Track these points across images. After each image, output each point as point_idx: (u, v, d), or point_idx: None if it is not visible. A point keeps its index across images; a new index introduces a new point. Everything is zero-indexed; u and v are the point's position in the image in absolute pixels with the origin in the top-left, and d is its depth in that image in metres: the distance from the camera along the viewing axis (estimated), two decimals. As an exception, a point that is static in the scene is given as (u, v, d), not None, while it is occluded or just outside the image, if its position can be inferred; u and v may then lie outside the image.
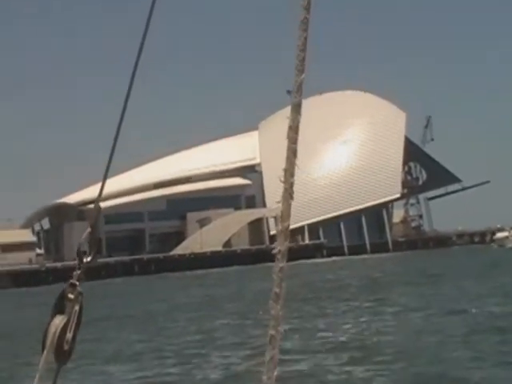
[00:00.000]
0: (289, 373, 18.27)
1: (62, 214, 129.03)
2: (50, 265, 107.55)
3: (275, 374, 2.39)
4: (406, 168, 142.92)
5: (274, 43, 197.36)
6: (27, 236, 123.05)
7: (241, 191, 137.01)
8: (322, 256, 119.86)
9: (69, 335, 2.72)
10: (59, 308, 2.73)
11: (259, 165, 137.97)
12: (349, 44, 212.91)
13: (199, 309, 42.32)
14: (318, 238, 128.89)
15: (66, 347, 2.72)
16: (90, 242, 2.82)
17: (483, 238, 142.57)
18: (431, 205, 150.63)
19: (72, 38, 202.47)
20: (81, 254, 2.79)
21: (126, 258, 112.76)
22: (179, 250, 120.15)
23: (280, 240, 2.38)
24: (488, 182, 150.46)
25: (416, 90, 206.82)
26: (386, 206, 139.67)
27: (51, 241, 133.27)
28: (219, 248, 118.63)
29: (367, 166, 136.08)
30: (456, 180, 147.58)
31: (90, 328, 29.05)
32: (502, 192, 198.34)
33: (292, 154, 2.35)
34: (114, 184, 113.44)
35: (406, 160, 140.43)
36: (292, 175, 2.35)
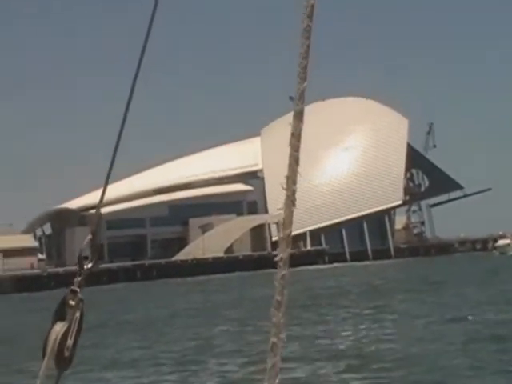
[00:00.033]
0: (286, 380, 18.17)
1: (63, 220, 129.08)
2: (51, 270, 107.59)
3: (277, 381, 2.39)
4: (408, 175, 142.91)
5: (276, 49, 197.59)
6: (29, 241, 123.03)
7: (243, 197, 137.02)
8: (324, 262, 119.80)
9: (69, 342, 2.71)
10: (60, 315, 2.73)
11: (261, 171, 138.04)
12: (349, 47, 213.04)
13: (199, 315, 42.28)
14: (320, 245, 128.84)
15: (66, 354, 2.72)
16: (92, 248, 2.82)
17: (485, 245, 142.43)
18: (433, 211, 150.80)
19: (72, 38, 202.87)
20: (81, 261, 2.79)
21: (128, 264, 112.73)
22: (181, 255, 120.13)
23: (282, 247, 2.37)
24: (489, 189, 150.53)
25: (417, 93, 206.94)
26: (388, 212, 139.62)
27: (53, 246, 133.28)
28: (221, 254, 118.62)
29: (369, 172, 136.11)
30: (458, 187, 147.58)
31: (89, 334, 29.02)
32: (504, 199, 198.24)
33: (294, 161, 2.35)
34: (116, 190, 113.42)
35: (408, 167, 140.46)
36: (294, 182, 2.35)
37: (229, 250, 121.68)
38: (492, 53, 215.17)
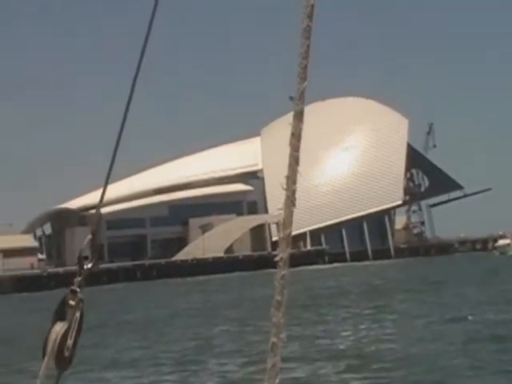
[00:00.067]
0: (286, 380, 18.16)
1: (63, 220, 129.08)
2: (51, 270, 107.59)
3: (277, 381, 2.39)
4: (408, 175, 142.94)
5: (276, 48, 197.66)
6: (29, 241, 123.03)
7: (243, 197, 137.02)
8: (324, 262, 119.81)
9: (69, 342, 2.72)
10: (60, 315, 2.73)
11: (261, 171, 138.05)
12: (349, 46, 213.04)
13: (199, 315, 42.28)
14: (320, 245, 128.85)
15: (66, 354, 2.72)
16: (92, 248, 2.82)
17: (485, 245, 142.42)
18: (433, 211, 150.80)
19: (72, 38, 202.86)
20: (81, 261, 2.79)
21: (128, 264, 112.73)
22: (181, 255, 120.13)
23: (282, 247, 2.37)
24: (489, 189, 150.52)
25: (417, 93, 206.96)
26: (388, 212, 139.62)
27: (53, 246, 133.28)
28: (221, 254, 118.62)
29: (369, 172, 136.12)
30: (458, 187, 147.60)
31: (89, 334, 29.01)
32: (504, 199, 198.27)
33: (294, 161, 2.35)
34: (116, 190, 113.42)
35: (408, 167, 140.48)
36: (294, 183, 2.35)
37: (229, 250, 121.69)
38: (492, 53, 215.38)
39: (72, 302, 2.73)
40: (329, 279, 70.64)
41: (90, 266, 2.79)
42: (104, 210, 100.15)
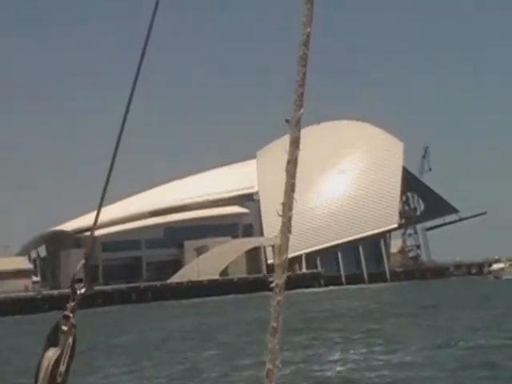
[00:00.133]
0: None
1: (58, 242, 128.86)
2: (46, 292, 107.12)
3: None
4: (404, 198, 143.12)
5: (273, 72, 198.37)
6: (23, 263, 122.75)
7: (238, 219, 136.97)
8: (320, 285, 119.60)
9: (62, 368, 2.69)
10: (52, 340, 2.70)
11: (257, 193, 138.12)
12: (344, 70, 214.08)
13: (192, 338, 42.08)
14: (316, 267, 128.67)
15: (59, 380, 2.69)
16: (85, 271, 2.79)
17: (481, 269, 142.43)
18: (429, 235, 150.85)
19: (72, 38, 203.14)
20: (74, 286, 2.76)
21: (123, 286, 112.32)
22: (176, 278, 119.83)
23: (278, 273, 2.35)
24: (485, 213, 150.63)
25: (412, 116, 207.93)
26: (384, 235, 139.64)
27: (48, 268, 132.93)
28: (216, 276, 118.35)
29: (365, 195, 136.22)
30: (453, 210, 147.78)
31: (80, 357, 28.76)
32: (499, 223, 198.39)
33: (290, 188, 2.33)
34: (111, 212, 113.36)
35: (404, 190, 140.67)
36: (290, 209, 2.33)
37: (224, 272, 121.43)
38: (489, 78, 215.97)
39: (65, 328, 2.70)
40: (324, 302, 70.45)
41: (83, 291, 2.77)
42: (99, 232, 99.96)
